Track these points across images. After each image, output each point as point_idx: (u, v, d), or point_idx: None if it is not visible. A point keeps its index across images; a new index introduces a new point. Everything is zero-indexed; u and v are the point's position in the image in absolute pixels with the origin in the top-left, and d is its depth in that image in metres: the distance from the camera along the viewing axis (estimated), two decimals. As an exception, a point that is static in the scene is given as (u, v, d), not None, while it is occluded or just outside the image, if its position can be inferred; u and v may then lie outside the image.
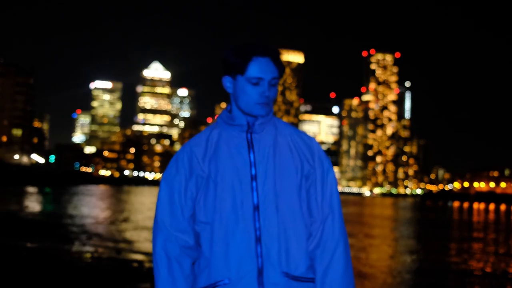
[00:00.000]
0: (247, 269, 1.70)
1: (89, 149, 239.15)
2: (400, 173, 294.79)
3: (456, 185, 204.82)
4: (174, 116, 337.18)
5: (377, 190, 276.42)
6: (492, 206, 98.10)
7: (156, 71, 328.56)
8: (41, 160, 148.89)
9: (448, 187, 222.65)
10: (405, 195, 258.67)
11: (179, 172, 1.80)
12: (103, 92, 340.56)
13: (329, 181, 1.86)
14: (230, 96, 1.84)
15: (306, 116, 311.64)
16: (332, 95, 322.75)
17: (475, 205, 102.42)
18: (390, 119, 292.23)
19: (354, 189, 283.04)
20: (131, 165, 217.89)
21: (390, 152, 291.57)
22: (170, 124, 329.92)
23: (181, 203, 1.78)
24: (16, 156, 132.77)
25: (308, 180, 1.82)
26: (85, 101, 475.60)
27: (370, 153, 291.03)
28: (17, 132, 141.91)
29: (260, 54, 1.76)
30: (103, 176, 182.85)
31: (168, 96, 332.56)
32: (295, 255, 1.75)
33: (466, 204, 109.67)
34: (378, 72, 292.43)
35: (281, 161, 1.79)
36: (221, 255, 1.72)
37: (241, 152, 1.78)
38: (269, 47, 1.78)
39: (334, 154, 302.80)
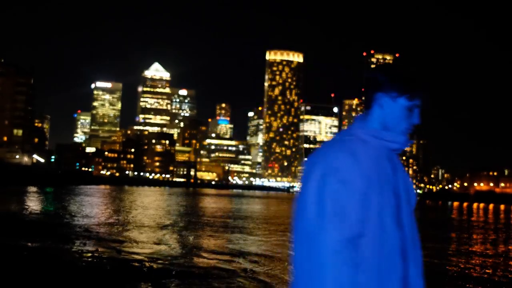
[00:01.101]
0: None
1: (90, 149, 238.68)
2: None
3: (456, 185, 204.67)
4: (174, 116, 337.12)
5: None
6: (491, 206, 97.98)
7: (156, 71, 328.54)
8: (42, 160, 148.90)
9: (448, 186, 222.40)
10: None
11: (349, 180, 1.72)
12: (104, 92, 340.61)
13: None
14: (373, 112, 1.82)
15: (306, 116, 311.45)
16: (332, 95, 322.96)
17: (475, 205, 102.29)
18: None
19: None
20: (132, 165, 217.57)
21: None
22: (170, 124, 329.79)
23: (353, 213, 1.72)
24: (17, 156, 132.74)
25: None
26: (85, 101, 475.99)
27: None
28: (18, 132, 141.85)
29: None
30: (103, 176, 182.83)
31: (168, 96, 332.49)
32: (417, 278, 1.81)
33: (465, 204, 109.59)
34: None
35: (408, 185, 1.86)
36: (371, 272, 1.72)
37: (392, 170, 1.80)
38: None
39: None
